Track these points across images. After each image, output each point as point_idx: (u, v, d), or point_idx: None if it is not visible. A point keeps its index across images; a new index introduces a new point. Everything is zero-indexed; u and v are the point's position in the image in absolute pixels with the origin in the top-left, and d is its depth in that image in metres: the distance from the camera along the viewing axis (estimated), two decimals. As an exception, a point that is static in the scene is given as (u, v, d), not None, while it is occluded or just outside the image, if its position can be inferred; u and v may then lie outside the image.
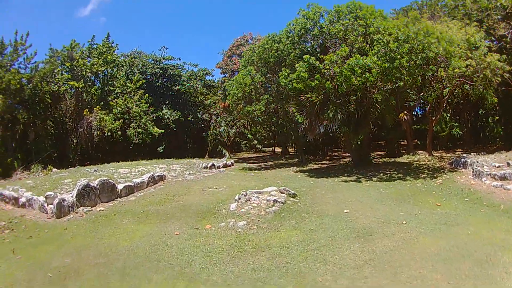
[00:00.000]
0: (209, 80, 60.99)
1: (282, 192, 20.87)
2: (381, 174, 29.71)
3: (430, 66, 27.37)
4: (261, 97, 38.28)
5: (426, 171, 29.39)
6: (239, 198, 19.66)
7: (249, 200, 19.31)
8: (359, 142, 33.85)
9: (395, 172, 30.45)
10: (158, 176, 26.81)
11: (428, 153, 38.74)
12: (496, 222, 15.23)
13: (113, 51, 47.88)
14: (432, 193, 21.73)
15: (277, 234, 14.77)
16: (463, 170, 26.95)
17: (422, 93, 36.27)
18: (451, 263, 11.11)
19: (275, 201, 19.02)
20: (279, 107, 41.33)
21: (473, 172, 24.30)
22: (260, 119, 45.36)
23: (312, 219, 16.84)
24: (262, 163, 45.32)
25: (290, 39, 33.81)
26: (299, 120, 31.23)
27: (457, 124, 45.61)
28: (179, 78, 55.22)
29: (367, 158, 36.34)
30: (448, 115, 45.82)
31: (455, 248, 12.33)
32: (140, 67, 52.06)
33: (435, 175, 26.92)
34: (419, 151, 41.91)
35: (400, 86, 29.03)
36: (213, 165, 36.25)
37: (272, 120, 45.11)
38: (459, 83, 32.57)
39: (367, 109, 32.63)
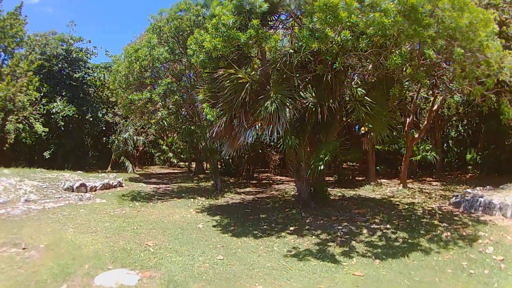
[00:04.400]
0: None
1: None
2: (364, 230, 13.73)
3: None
4: (161, 81, 20.87)
5: (434, 221, 14.74)
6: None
7: None
8: (321, 167, 15.63)
9: (383, 223, 14.70)
10: (-30, 202, 15.15)
11: (401, 183, 23.88)
12: None
13: (21, 24, 31.99)
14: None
15: None
16: (494, 219, 14.25)
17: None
18: None
19: None
20: (193, 109, 23.83)
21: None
22: (165, 123, 27.14)
23: None
24: (164, 186, 27.74)
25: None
26: (209, 116, 14.09)
27: (430, 147, 29.31)
28: (83, 65, 37.91)
29: (323, 192, 18.47)
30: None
31: None
32: (42, 46, 35.06)
33: (461, 232, 13.11)
34: (382, 180, 26.81)
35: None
36: (83, 185, 21.94)
37: (183, 126, 26.31)
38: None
39: (341, 103, 16.31)
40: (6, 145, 29.60)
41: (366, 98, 14.67)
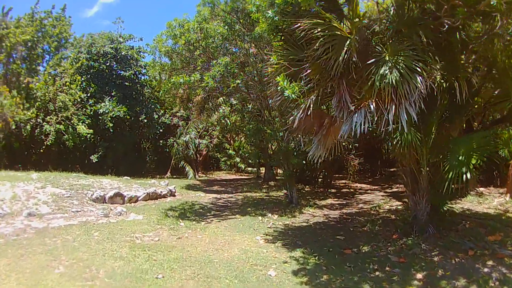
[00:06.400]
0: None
1: None
2: None
3: None
4: (216, 62, 15.85)
5: None
6: None
7: None
8: (467, 174, 9.56)
9: None
10: None
11: (508, 193, 17.10)
12: None
13: (64, 25, 29.79)
14: None
15: None
16: None
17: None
18: None
19: None
20: (261, 102, 18.94)
21: None
22: (228, 121, 23.25)
23: None
24: (226, 196, 22.17)
25: None
26: (288, 92, 8.40)
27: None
28: (134, 63, 33.32)
29: (441, 210, 12.36)
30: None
31: None
32: (88, 46, 31.49)
33: None
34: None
35: None
36: (118, 195, 16.53)
37: (249, 126, 22.15)
38: None
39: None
40: (43, 147, 25.94)
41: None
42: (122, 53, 31.95)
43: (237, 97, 20.12)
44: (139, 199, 17.44)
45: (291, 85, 8.47)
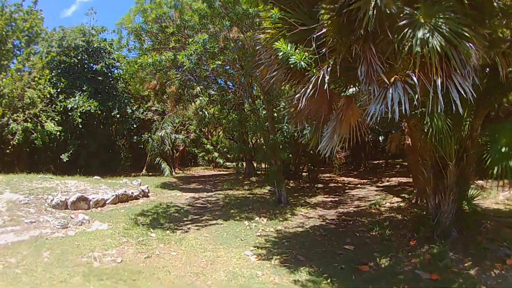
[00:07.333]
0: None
1: None
2: None
3: None
4: (192, 40, 13.63)
5: None
6: None
7: None
8: None
9: None
10: None
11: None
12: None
13: (35, 19, 28.07)
14: None
15: None
16: None
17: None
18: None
19: None
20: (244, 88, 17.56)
21: None
22: (206, 113, 20.46)
23: None
24: (205, 194, 19.56)
25: None
26: (295, 58, 6.14)
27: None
28: (107, 56, 31.31)
29: (469, 210, 10.81)
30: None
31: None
32: (59, 39, 29.37)
33: None
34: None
35: None
36: (82, 199, 13.93)
37: (231, 117, 20.10)
38: None
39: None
40: (10, 147, 24.05)
41: None
42: (94, 46, 30.33)
43: (216, 88, 18.52)
44: (107, 202, 15.00)
45: (297, 51, 6.34)
